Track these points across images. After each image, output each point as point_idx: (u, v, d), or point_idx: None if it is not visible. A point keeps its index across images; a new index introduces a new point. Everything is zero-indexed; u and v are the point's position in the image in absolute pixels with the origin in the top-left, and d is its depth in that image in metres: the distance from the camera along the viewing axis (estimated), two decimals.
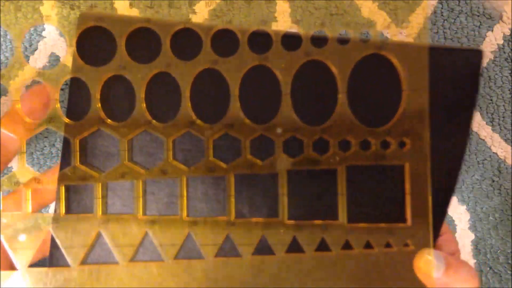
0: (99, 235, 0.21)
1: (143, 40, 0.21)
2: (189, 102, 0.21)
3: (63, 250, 0.21)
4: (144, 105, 0.21)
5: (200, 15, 0.36)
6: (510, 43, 0.36)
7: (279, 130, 0.21)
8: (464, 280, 0.19)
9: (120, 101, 0.21)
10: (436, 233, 0.21)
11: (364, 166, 0.21)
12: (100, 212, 0.21)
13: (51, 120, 0.21)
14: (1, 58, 0.35)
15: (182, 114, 0.21)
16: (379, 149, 0.21)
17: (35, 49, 0.34)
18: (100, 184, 0.21)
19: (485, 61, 0.36)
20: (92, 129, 0.21)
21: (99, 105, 0.21)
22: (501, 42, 0.36)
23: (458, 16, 0.36)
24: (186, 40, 0.21)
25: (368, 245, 0.21)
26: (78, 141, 0.21)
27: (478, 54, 0.22)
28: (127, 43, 0.21)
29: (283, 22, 0.36)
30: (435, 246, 0.21)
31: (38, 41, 0.34)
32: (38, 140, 0.35)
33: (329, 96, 0.21)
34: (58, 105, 0.22)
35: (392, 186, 0.21)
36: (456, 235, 0.35)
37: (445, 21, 0.36)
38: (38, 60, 0.33)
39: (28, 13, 0.35)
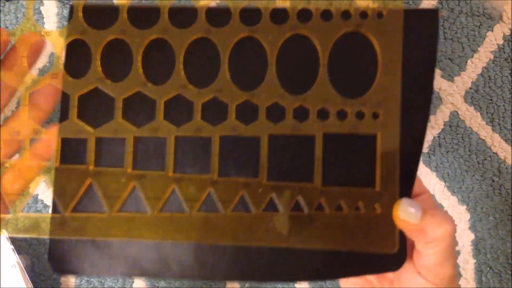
0: (89, 186, 0.22)
1: (143, 9, 0.23)
2: (182, 67, 0.22)
3: (55, 198, 0.22)
4: (141, 68, 0.22)
5: None
6: (510, 43, 0.36)
7: (263, 97, 0.22)
8: (439, 224, 0.21)
9: (119, 63, 0.23)
10: (408, 195, 0.22)
11: (340, 134, 0.22)
12: (93, 165, 0.22)
13: (54, 77, 0.22)
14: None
15: (174, 78, 0.22)
16: (354, 119, 0.22)
17: None
18: (94, 137, 0.22)
19: (485, 61, 0.36)
20: (91, 86, 0.22)
21: (99, 65, 0.22)
22: (501, 42, 0.36)
23: (458, 16, 0.36)
24: (183, 11, 0.23)
25: (339, 208, 0.22)
26: (77, 97, 0.22)
27: (434, 14, 0.23)
28: (129, 10, 0.23)
29: None
30: None
31: None
32: None
33: (311, 67, 0.22)
34: (62, 64, 0.23)
35: (364, 153, 0.22)
36: (456, 235, 0.35)
37: (445, 21, 0.36)
38: (38, 60, 0.33)
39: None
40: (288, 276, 0.23)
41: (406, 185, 0.22)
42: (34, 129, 0.22)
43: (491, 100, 0.35)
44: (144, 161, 0.23)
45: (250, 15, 0.22)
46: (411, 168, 0.22)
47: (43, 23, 0.35)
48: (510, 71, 0.36)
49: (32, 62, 0.23)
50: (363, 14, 0.22)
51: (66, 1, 0.36)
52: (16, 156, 0.23)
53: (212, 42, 0.22)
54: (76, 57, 0.23)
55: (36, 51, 0.23)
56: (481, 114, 0.35)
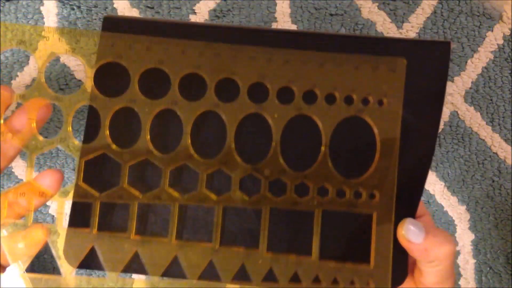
0: (92, 250, 0.23)
1: (154, 79, 0.23)
2: (189, 138, 0.23)
3: (57, 260, 0.23)
4: (148, 136, 0.23)
5: (200, 15, 0.36)
6: (510, 43, 0.36)
7: (267, 172, 0.23)
8: (442, 244, 0.22)
9: (127, 129, 0.24)
10: (412, 216, 0.23)
11: (338, 211, 0.23)
12: (96, 229, 0.23)
13: (62, 140, 0.23)
14: (1, 58, 0.35)
15: (181, 148, 0.23)
16: (352, 198, 0.23)
17: (35, 49, 0.34)
18: (98, 202, 0.23)
19: (485, 61, 0.36)
20: (98, 152, 0.23)
21: (107, 132, 0.23)
22: (501, 42, 0.36)
23: (458, 16, 0.36)
24: (193, 82, 0.23)
25: (335, 281, 0.23)
26: (83, 162, 0.23)
27: (447, 46, 0.24)
28: (140, 79, 0.23)
29: (283, 22, 0.36)
30: None
31: (38, 41, 0.34)
32: None
33: (313, 146, 0.23)
34: (70, 128, 0.23)
35: (360, 231, 0.23)
36: (456, 235, 0.35)
37: (445, 21, 0.36)
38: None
39: (28, 13, 0.35)
40: None
41: (411, 206, 0.23)
42: (40, 192, 0.23)
43: (491, 100, 0.35)
44: (148, 226, 0.23)
45: (257, 92, 0.23)
46: (417, 190, 0.23)
47: (43, 23, 0.35)
48: (510, 71, 0.36)
49: (40, 125, 0.23)
50: (365, 100, 0.23)
51: (66, 1, 0.36)
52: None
53: (219, 115, 0.23)
54: (89, 123, 0.23)
55: (44, 115, 0.23)
56: (481, 114, 0.35)
